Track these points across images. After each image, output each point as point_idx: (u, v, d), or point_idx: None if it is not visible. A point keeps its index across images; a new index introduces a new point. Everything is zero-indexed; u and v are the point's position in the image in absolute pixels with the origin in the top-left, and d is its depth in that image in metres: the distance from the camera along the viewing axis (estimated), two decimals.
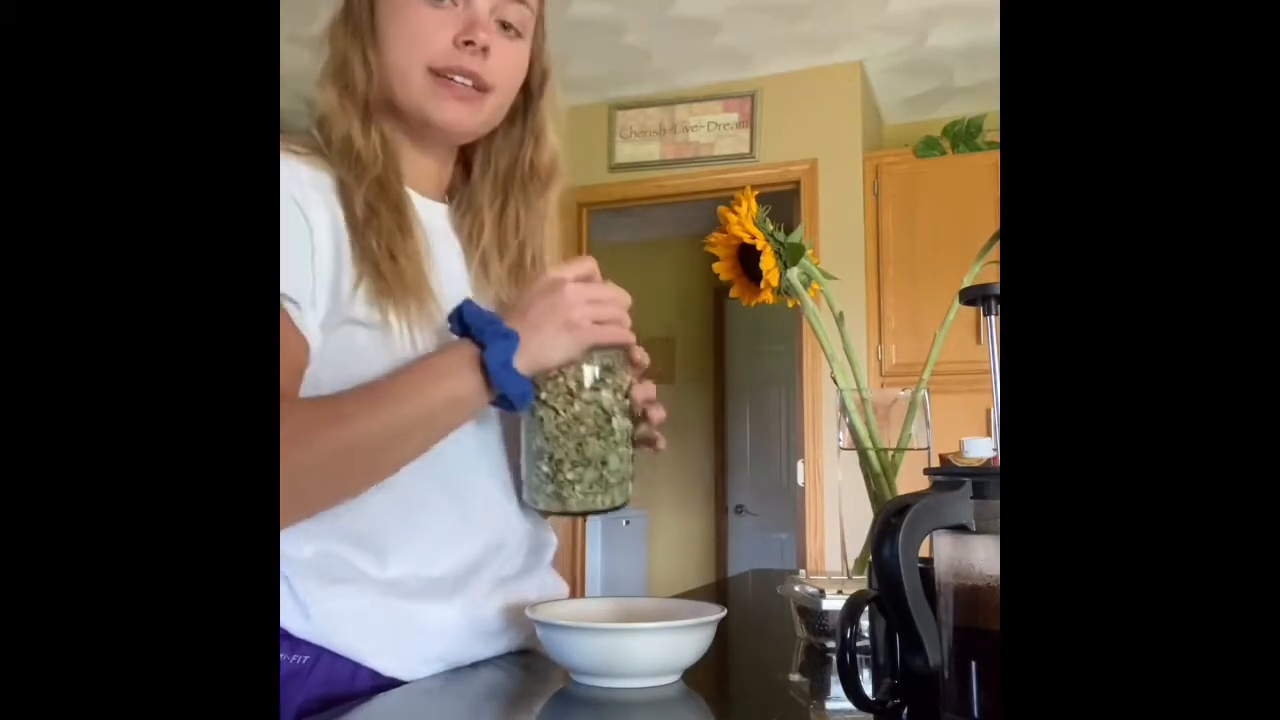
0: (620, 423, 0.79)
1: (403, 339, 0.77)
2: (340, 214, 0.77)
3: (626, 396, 0.80)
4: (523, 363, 0.72)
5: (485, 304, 0.84)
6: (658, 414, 0.84)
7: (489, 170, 0.91)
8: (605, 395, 0.78)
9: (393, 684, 0.74)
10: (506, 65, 0.84)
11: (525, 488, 0.82)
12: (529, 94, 0.90)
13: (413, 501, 0.78)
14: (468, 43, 0.80)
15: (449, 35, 0.80)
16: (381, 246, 0.77)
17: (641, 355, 0.83)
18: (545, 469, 0.78)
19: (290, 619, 0.73)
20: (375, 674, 0.74)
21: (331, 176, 0.79)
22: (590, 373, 0.78)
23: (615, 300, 0.78)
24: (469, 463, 0.83)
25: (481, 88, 0.82)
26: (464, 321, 0.73)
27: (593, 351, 0.77)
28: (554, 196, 0.93)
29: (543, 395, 0.77)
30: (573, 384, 0.77)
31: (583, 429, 0.77)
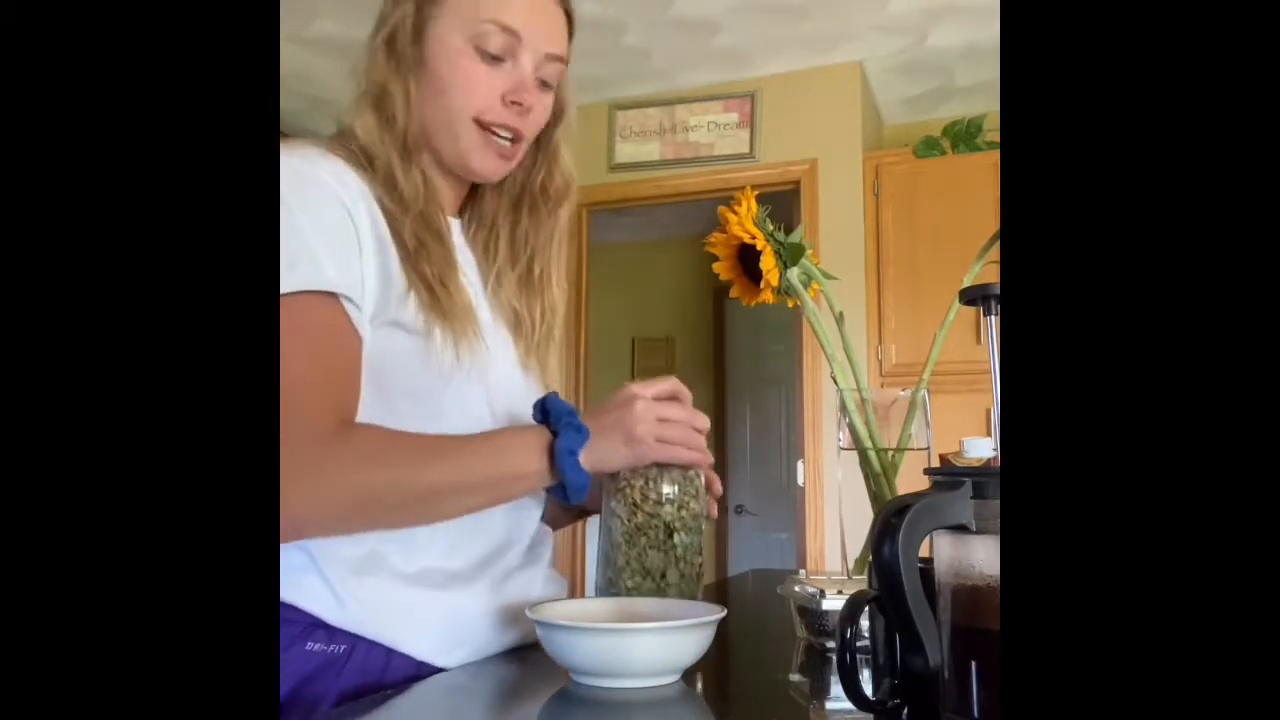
0: (683, 539, 0.83)
1: (444, 350, 0.80)
2: (382, 224, 0.80)
3: (694, 516, 0.84)
4: (586, 459, 0.77)
5: (500, 313, 0.91)
6: (715, 491, 0.89)
7: (501, 190, 0.95)
8: (668, 510, 0.82)
9: (420, 671, 0.78)
10: (540, 117, 0.89)
11: (594, 587, 0.87)
12: (547, 124, 0.93)
13: None
14: (514, 102, 0.85)
15: (498, 92, 0.85)
16: (434, 274, 0.81)
17: (714, 481, 0.88)
18: (609, 574, 0.83)
19: (327, 609, 0.76)
20: (407, 660, 0.78)
21: (371, 189, 0.81)
22: (655, 487, 0.82)
23: (686, 422, 0.82)
24: None
25: (518, 140, 0.88)
26: (545, 409, 0.80)
27: (665, 468, 0.83)
28: (565, 214, 0.97)
29: (613, 504, 0.83)
30: (637, 496, 0.82)
31: (644, 540, 0.82)
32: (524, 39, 0.85)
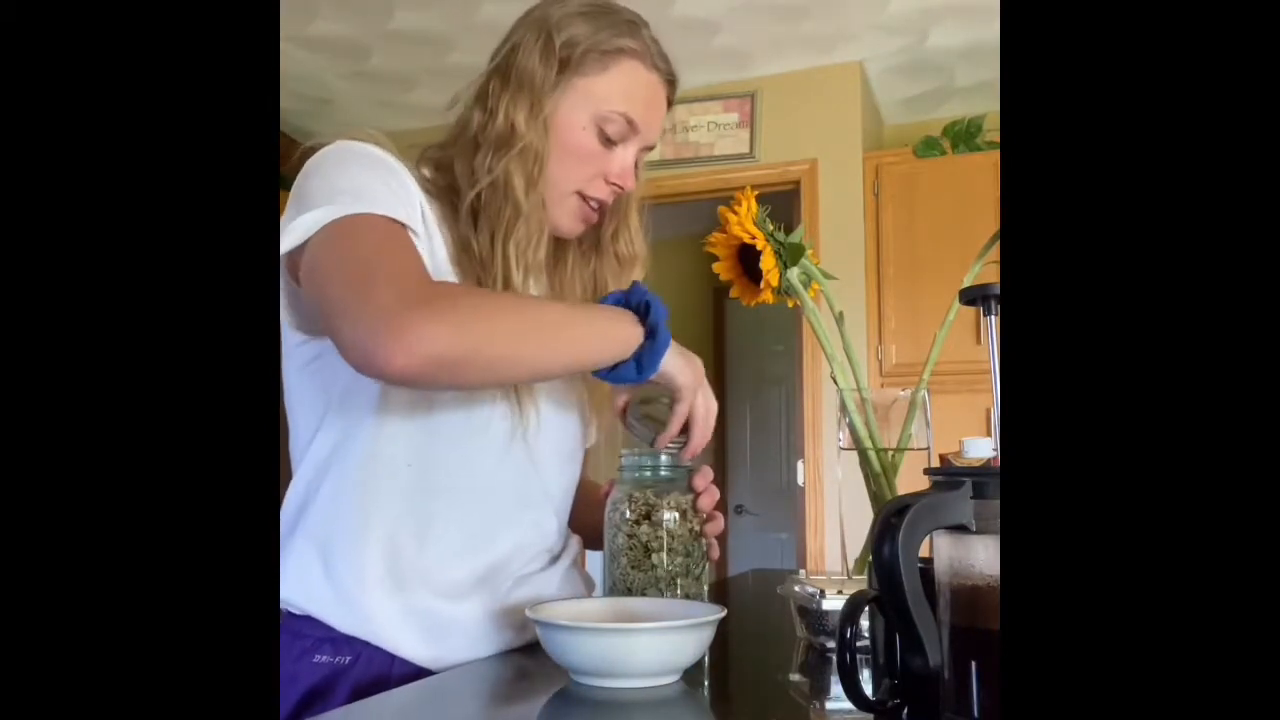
0: (661, 559, 0.83)
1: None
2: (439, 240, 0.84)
3: (674, 536, 0.84)
4: (665, 361, 0.81)
5: None
6: (715, 528, 0.89)
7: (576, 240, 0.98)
8: (644, 530, 0.83)
9: (420, 675, 0.79)
10: (628, 192, 0.94)
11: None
12: None
13: (444, 508, 0.83)
14: (614, 183, 0.90)
15: (604, 172, 0.90)
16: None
17: (708, 494, 0.89)
18: (605, 591, 0.85)
19: (334, 616, 0.78)
20: (410, 666, 0.79)
21: (444, 218, 0.85)
22: (635, 507, 0.84)
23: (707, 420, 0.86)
24: (505, 470, 0.87)
25: (602, 209, 0.93)
26: (647, 303, 0.82)
27: (645, 490, 0.84)
28: (636, 274, 1.00)
29: (606, 523, 0.85)
30: (616, 516, 0.84)
31: (625, 560, 0.83)
32: (640, 132, 0.90)
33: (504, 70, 0.88)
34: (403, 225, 0.76)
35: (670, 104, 0.96)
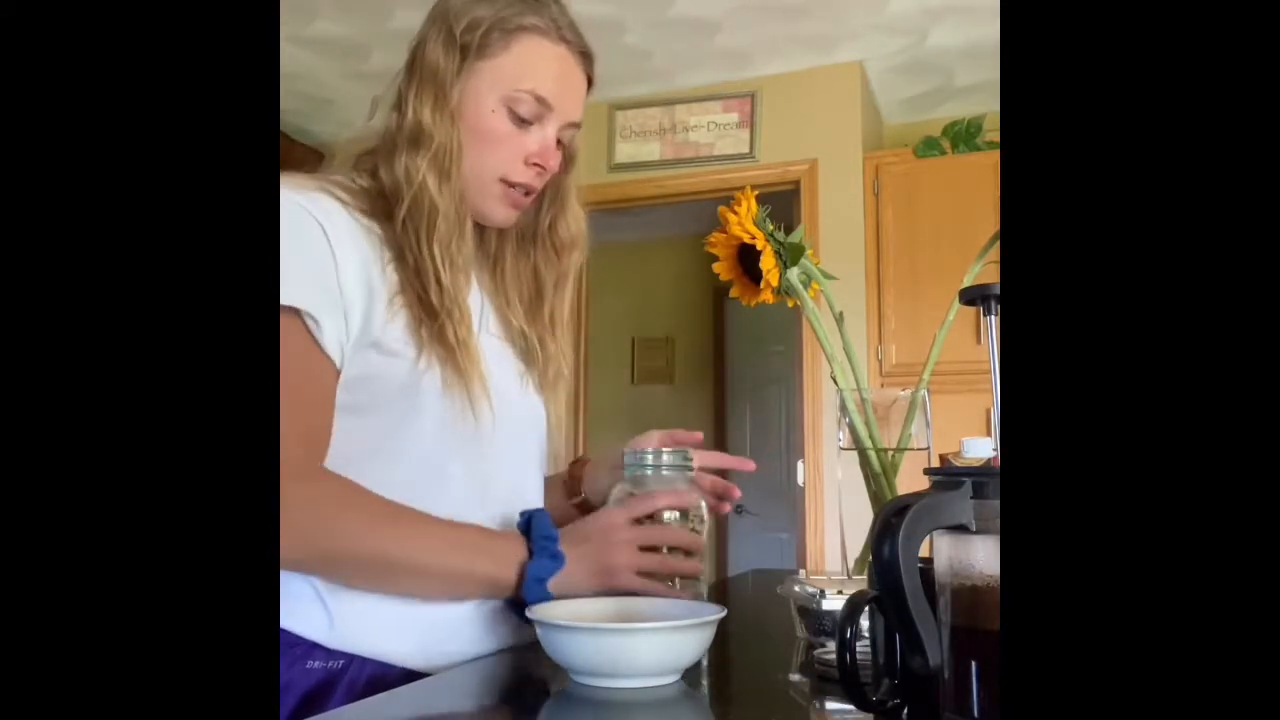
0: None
1: (463, 410, 0.82)
2: (376, 259, 0.81)
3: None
4: (554, 585, 0.78)
5: (509, 343, 0.93)
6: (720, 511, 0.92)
7: (507, 231, 0.96)
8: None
9: (416, 675, 0.78)
10: (552, 173, 0.92)
11: None
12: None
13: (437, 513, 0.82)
14: (536, 164, 0.89)
15: (523, 154, 0.88)
16: (455, 335, 0.83)
17: (721, 505, 0.92)
18: None
19: (319, 631, 0.77)
20: (403, 670, 0.79)
21: (381, 229, 0.83)
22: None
23: (670, 542, 0.82)
24: (497, 475, 0.88)
25: (531, 194, 0.91)
26: (530, 524, 0.80)
27: (643, 487, 0.84)
28: (573, 262, 0.99)
29: None
30: None
31: None
32: (554, 108, 0.88)
33: (411, 68, 0.88)
34: (306, 322, 0.75)
35: (591, 80, 0.94)
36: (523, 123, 0.87)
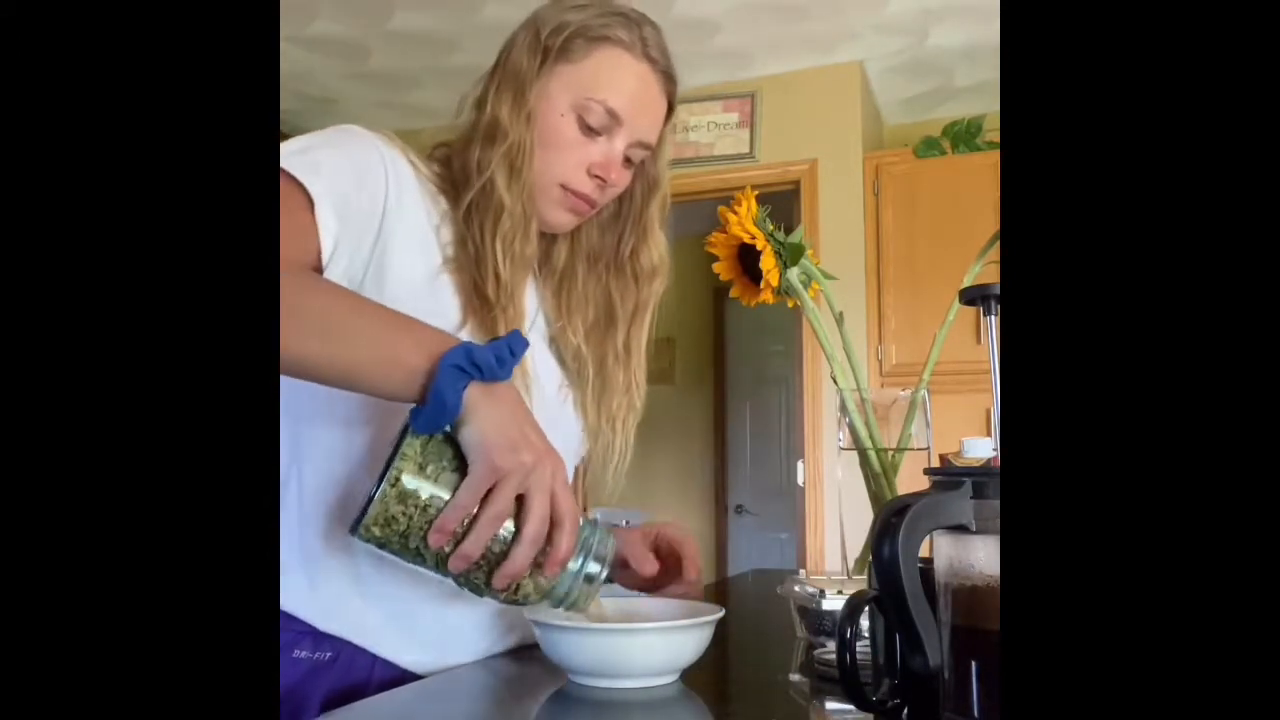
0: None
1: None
2: (434, 212, 0.83)
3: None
4: (469, 395, 0.64)
5: (556, 357, 0.92)
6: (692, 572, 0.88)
7: (577, 246, 0.96)
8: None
9: (404, 677, 0.78)
10: (617, 191, 0.92)
11: None
12: (633, 195, 0.96)
13: None
14: (598, 176, 0.87)
15: (586, 163, 0.87)
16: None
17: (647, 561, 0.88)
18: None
19: (316, 617, 0.77)
20: (393, 667, 0.78)
21: (449, 205, 0.84)
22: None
23: (557, 522, 0.66)
24: None
25: (593, 206, 0.90)
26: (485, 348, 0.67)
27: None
28: (655, 289, 0.99)
29: None
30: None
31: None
32: (624, 123, 0.88)
33: (496, 67, 0.89)
34: (311, 201, 0.72)
35: (671, 105, 0.94)
36: (590, 132, 0.87)
